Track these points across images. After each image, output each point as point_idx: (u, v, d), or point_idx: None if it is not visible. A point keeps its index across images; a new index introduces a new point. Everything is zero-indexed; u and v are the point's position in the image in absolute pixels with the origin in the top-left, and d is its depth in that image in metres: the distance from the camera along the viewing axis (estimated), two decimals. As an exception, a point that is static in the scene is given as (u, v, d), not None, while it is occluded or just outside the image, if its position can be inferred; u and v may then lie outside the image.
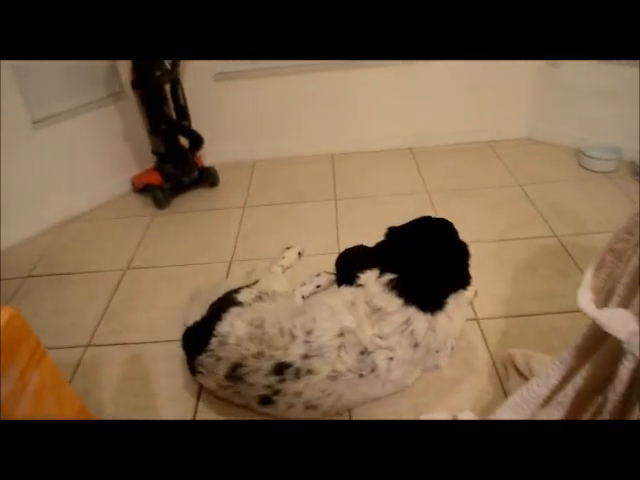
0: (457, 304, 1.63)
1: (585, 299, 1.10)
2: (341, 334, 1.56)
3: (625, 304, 1.03)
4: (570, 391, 1.17)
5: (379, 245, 1.76)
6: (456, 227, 1.76)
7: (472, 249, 1.75)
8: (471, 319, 1.96)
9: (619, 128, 2.91)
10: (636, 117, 2.80)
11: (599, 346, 1.09)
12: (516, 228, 2.48)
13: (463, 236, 1.75)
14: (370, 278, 1.66)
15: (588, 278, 1.17)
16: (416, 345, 1.56)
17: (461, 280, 1.66)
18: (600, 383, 1.12)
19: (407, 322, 1.55)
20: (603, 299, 1.13)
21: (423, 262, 1.61)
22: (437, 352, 1.70)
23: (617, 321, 0.97)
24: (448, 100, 3.25)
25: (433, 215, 1.82)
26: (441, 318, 1.59)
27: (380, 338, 1.55)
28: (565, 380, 1.21)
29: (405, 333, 1.55)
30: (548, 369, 1.24)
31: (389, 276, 1.62)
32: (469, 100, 3.25)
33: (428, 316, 1.56)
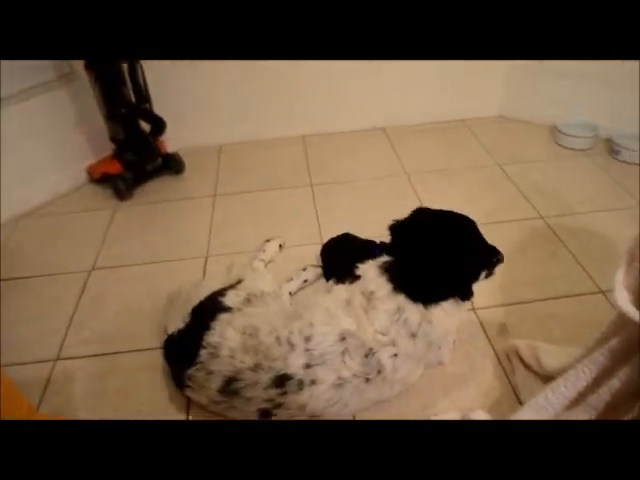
0: (456, 305, 1.52)
1: (624, 299, 1.02)
2: (342, 338, 1.45)
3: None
4: (605, 394, 1.11)
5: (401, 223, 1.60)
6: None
7: None
8: (468, 309, 1.88)
9: (594, 105, 2.89)
10: (611, 94, 2.79)
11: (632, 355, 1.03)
12: (501, 210, 2.43)
13: None
14: (371, 266, 1.55)
15: (621, 275, 1.09)
16: (413, 335, 1.46)
17: (462, 290, 1.52)
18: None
19: (398, 310, 1.44)
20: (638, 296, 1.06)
21: (425, 252, 1.47)
22: (439, 348, 1.62)
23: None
24: (420, 78, 3.14)
25: (460, 212, 1.63)
26: (436, 312, 1.48)
27: (382, 334, 1.44)
28: (597, 382, 1.15)
29: (400, 322, 1.44)
30: (578, 370, 1.18)
31: (386, 259, 1.52)
32: (441, 78, 3.15)
33: (419, 307, 1.45)
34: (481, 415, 1.49)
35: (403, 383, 1.55)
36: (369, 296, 1.49)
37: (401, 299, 1.45)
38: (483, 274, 1.58)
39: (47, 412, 1.66)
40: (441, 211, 1.59)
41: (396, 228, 1.58)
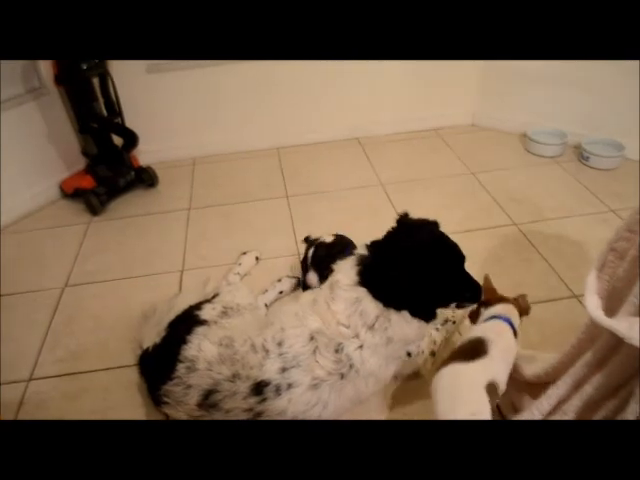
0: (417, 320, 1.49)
1: (593, 305, 1.04)
2: (312, 338, 1.47)
3: (644, 312, 0.97)
4: (578, 400, 1.13)
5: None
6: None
7: None
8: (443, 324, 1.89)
9: (563, 112, 2.95)
10: (580, 101, 2.85)
11: (613, 355, 1.04)
12: (475, 218, 2.46)
13: None
14: (347, 261, 1.55)
15: (592, 281, 1.11)
16: (371, 328, 1.45)
17: (424, 310, 1.49)
18: (612, 390, 1.07)
19: (357, 300, 1.45)
20: (609, 303, 1.08)
21: (403, 261, 1.44)
22: (409, 355, 1.61)
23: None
24: (393, 88, 3.18)
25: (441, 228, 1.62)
26: (395, 316, 1.45)
27: (345, 327, 1.45)
28: (573, 391, 1.16)
29: (357, 313, 1.45)
30: (559, 387, 1.19)
31: (362, 252, 1.53)
32: (414, 87, 3.20)
33: (379, 304, 1.44)
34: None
35: (376, 378, 1.53)
36: (333, 285, 1.51)
37: (361, 291, 1.45)
38: (453, 305, 1.58)
39: (19, 434, 1.61)
40: (440, 232, 1.58)
41: (392, 231, 1.58)
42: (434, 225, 1.60)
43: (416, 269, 1.43)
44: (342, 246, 1.93)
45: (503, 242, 2.28)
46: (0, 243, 2.53)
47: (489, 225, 2.40)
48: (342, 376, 1.46)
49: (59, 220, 2.68)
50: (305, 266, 2.01)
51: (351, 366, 1.46)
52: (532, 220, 2.41)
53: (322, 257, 1.91)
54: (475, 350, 1.28)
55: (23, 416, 1.67)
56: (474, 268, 2.11)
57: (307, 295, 1.63)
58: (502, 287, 2.01)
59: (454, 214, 2.47)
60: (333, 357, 1.45)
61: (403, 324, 1.47)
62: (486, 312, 1.52)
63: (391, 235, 1.56)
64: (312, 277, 1.93)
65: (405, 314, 1.46)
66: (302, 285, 2.04)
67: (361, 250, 1.55)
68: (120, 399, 1.70)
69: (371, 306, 1.45)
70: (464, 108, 3.32)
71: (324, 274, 1.70)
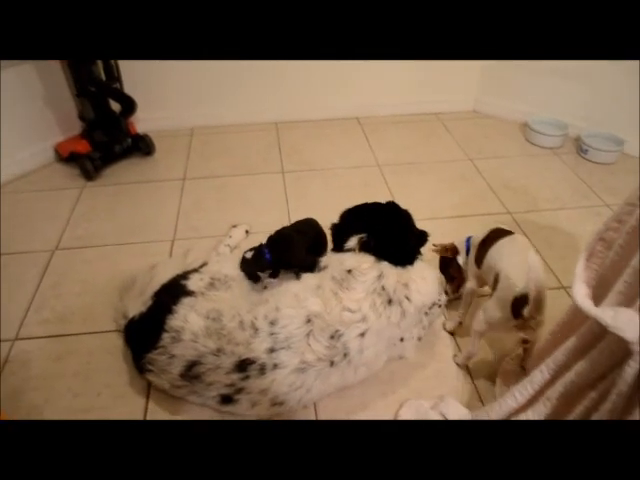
0: (427, 268, 1.68)
1: (581, 294, 1.04)
2: (309, 320, 1.47)
3: (628, 302, 0.98)
4: (561, 387, 1.13)
5: (339, 223, 1.79)
6: (410, 202, 1.84)
7: (427, 226, 1.77)
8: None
9: (565, 104, 2.93)
10: (583, 93, 2.83)
11: (597, 343, 1.05)
12: (469, 204, 2.45)
13: (417, 212, 1.82)
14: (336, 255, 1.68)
15: (580, 270, 1.11)
16: (390, 302, 1.51)
17: (421, 236, 1.73)
18: (594, 380, 1.08)
19: (379, 277, 1.53)
20: (597, 292, 1.08)
21: (385, 222, 1.70)
22: (402, 340, 1.63)
23: (623, 321, 0.92)
24: (395, 70, 3.14)
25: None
26: (413, 274, 1.58)
27: (351, 312, 1.47)
28: (555, 377, 1.17)
29: (377, 290, 1.51)
30: (542, 371, 1.20)
31: (356, 237, 1.64)
32: (417, 71, 3.16)
33: (399, 269, 1.57)
34: (452, 403, 1.51)
35: (368, 367, 1.55)
36: (344, 277, 1.53)
37: (383, 266, 1.56)
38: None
39: (4, 392, 1.62)
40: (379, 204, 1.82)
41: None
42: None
43: (405, 225, 1.73)
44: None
45: (495, 229, 2.28)
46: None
47: (483, 212, 2.39)
48: (332, 364, 1.46)
49: (53, 183, 2.66)
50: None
51: (345, 355, 1.46)
52: (526, 210, 2.41)
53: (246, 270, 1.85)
54: None
55: (7, 374, 1.68)
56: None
57: (310, 279, 1.62)
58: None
59: (449, 199, 2.47)
60: (327, 343, 1.45)
61: (422, 283, 1.59)
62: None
63: (354, 215, 1.77)
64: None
65: (417, 266, 1.62)
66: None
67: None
68: (104, 363, 1.71)
69: (392, 276, 1.54)
70: (466, 94, 3.30)
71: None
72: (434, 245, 1.83)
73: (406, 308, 1.54)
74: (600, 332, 1.02)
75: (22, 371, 1.69)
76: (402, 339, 1.62)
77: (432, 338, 1.79)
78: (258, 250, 1.79)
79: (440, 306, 1.84)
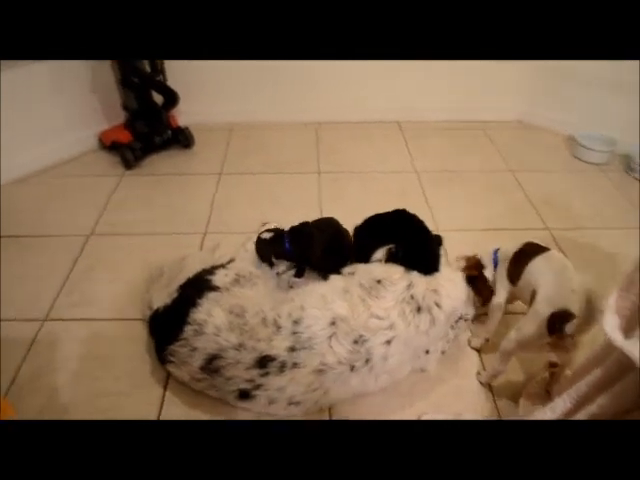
0: (451, 269, 1.71)
1: (611, 325, 0.99)
2: (333, 322, 1.46)
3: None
4: (582, 416, 1.08)
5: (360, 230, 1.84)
6: (444, 212, 2.03)
7: (458, 237, 1.87)
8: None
9: (615, 119, 2.82)
10: (633, 109, 2.72)
11: (623, 377, 0.99)
12: (506, 217, 2.38)
13: (450, 222, 1.98)
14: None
15: (614, 300, 1.05)
16: (419, 309, 1.50)
17: (438, 239, 1.77)
18: (617, 415, 1.03)
19: (409, 286, 1.52)
20: (630, 324, 1.02)
21: (409, 233, 1.71)
22: (427, 353, 1.59)
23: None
24: (441, 74, 3.08)
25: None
26: (441, 279, 1.59)
27: (378, 319, 1.45)
28: (577, 408, 1.12)
29: (406, 299, 1.50)
30: (565, 400, 1.15)
31: (383, 249, 1.66)
32: (463, 77, 3.10)
33: (428, 278, 1.58)
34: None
35: (390, 376, 1.53)
36: (373, 285, 1.52)
37: (413, 275, 1.56)
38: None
39: (28, 372, 1.67)
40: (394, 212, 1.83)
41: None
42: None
43: (425, 231, 1.75)
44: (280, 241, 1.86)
45: (532, 245, 2.21)
46: (35, 185, 2.59)
47: (519, 226, 2.32)
48: (352, 368, 1.44)
49: (94, 170, 2.72)
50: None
51: (367, 361, 1.44)
52: (566, 227, 2.33)
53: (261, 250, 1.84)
54: None
55: (33, 354, 1.72)
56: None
57: (337, 281, 1.61)
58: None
59: (484, 211, 2.41)
60: (350, 347, 1.43)
61: (451, 287, 1.60)
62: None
63: (373, 228, 1.79)
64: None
65: (444, 271, 1.63)
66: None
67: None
68: (127, 351, 1.74)
69: (421, 284, 1.54)
70: (512, 103, 3.21)
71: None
72: (458, 258, 1.81)
73: (436, 315, 1.53)
74: (627, 366, 0.97)
75: (47, 352, 1.73)
76: (427, 351, 1.59)
77: (456, 352, 1.74)
78: (278, 235, 1.79)
79: (467, 320, 1.79)
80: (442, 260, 1.68)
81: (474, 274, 1.72)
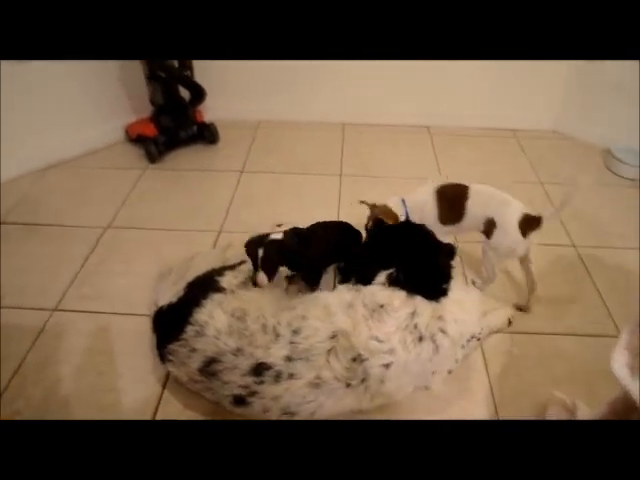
0: (464, 290, 1.58)
1: (619, 362, 0.92)
2: (333, 336, 1.41)
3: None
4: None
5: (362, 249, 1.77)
6: None
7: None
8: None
9: (655, 133, 2.68)
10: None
11: (629, 415, 0.93)
12: (531, 231, 2.28)
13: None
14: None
15: (626, 335, 0.98)
16: (421, 339, 1.40)
17: (449, 251, 1.62)
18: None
19: (413, 314, 1.41)
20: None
21: (411, 252, 1.56)
22: (433, 373, 1.52)
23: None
24: (474, 79, 2.99)
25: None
26: (448, 304, 1.46)
27: (378, 341, 1.38)
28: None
29: (409, 328, 1.40)
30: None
31: (384, 273, 1.50)
32: (495, 82, 3.00)
33: (433, 304, 1.44)
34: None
35: (388, 396, 1.46)
36: (376, 308, 1.43)
37: (418, 301, 1.43)
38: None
39: (33, 361, 1.69)
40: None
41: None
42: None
43: (432, 251, 1.59)
44: (292, 244, 1.77)
45: (555, 262, 2.12)
46: (58, 174, 2.63)
47: (544, 241, 2.21)
48: (348, 385, 1.39)
49: (118, 162, 2.75)
50: (255, 265, 1.73)
51: (363, 380, 1.39)
52: (594, 245, 2.22)
53: (273, 257, 1.70)
54: None
55: (40, 344, 1.74)
56: (514, 284, 2.00)
57: (343, 293, 1.53)
58: (537, 309, 1.88)
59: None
60: (347, 364, 1.38)
61: (459, 313, 1.47)
62: None
63: (377, 247, 1.66)
64: (262, 278, 1.69)
65: (453, 295, 1.48)
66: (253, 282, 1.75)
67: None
68: (132, 346, 1.74)
69: (426, 312, 1.42)
70: (547, 112, 3.09)
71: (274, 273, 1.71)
72: (365, 204, 1.92)
73: (440, 343, 1.42)
74: (632, 406, 0.90)
75: (54, 342, 1.75)
76: (433, 372, 1.52)
77: (465, 372, 1.67)
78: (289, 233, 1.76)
79: (479, 339, 1.73)
80: (453, 274, 1.56)
81: (390, 223, 1.83)
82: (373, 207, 1.90)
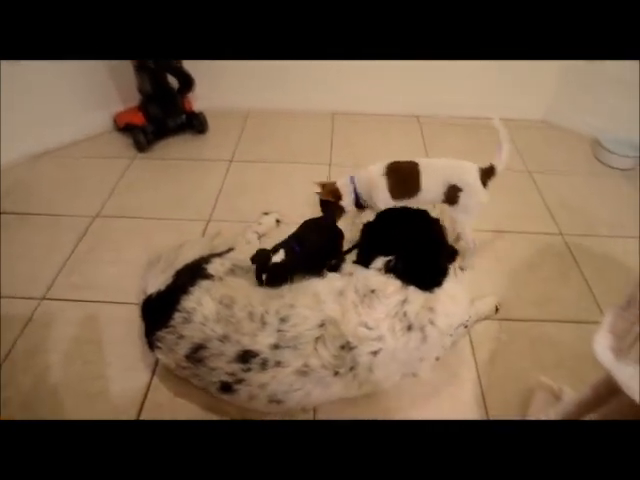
0: (456, 282, 1.57)
1: (602, 344, 0.93)
2: (322, 324, 1.41)
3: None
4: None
5: (369, 227, 1.72)
6: None
7: None
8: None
9: (643, 123, 2.69)
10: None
11: (610, 399, 0.94)
12: (519, 219, 2.31)
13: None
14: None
15: (610, 318, 0.99)
16: (410, 328, 1.41)
17: (452, 254, 1.65)
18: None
19: (404, 302, 1.42)
20: (623, 345, 0.96)
21: (415, 243, 1.56)
22: (421, 360, 1.53)
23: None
24: (463, 69, 2.98)
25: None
26: (441, 295, 1.47)
27: (367, 328, 1.39)
28: (579, 415, 1.06)
29: (399, 315, 1.40)
30: (567, 403, 1.10)
31: (383, 259, 1.51)
32: (485, 72, 2.99)
33: (426, 294, 1.45)
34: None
35: (375, 385, 1.47)
36: (367, 293, 1.44)
37: (410, 290, 1.44)
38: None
39: (22, 349, 1.68)
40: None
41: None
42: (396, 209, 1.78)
43: (436, 246, 1.60)
44: (294, 263, 1.75)
45: (543, 250, 2.14)
46: (47, 164, 2.61)
47: (532, 230, 2.24)
48: (336, 374, 1.39)
49: (106, 151, 2.73)
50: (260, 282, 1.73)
51: (351, 368, 1.39)
52: (581, 233, 2.24)
53: (276, 279, 1.68)
54: None
55: (28, 332, 1.74)
56: (502, 271, 2.01)
57: (335, 280, 1.54)
58: (527, 296, 1.91)
59: (496, 211, 2.32)
60: (336, 352, 1.38)
61: (450, 304, 1.48)
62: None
63: (383, 229, 1.66)
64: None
65: (446, 286, 1.49)
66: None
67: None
68: (120, 334, 1.74)
69: (417, 301, 1.43)
70: (537, 102, 3.09)
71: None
72: (316, 183, 2.01)
73: (428, 333, 1.43)
74: (615, 389, 0.91)
75: (42, 331, 1.75)
76: (421, 358, 1.53)
77: (453, 359, 1.69)
78: (288, 248, 1.73)
79: (466, 326, 1.74)
80: (450, 271, 1.57)
81: (331, 201, 1.95)
82: (322, 186, 1.98)
